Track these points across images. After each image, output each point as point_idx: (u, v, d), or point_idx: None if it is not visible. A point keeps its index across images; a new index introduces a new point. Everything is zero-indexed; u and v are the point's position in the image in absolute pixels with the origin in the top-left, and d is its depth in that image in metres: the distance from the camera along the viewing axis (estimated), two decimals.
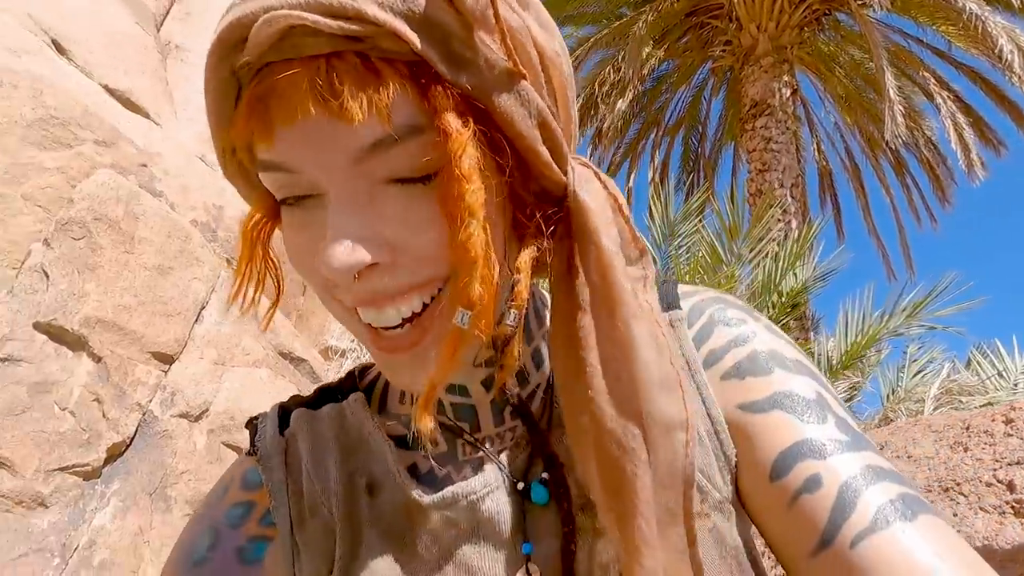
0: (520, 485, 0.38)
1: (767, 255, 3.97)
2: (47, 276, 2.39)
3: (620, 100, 7.15)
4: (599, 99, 7.25)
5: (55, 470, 2.10)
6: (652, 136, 8.01)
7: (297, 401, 0.46)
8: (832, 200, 8.91)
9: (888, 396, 4.22)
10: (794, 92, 6.37)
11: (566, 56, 0.37)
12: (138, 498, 2.24)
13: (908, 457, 1.08)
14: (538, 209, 0.36)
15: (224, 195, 3.94)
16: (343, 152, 0.30)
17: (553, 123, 0.34)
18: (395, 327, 0.33)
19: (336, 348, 3.46)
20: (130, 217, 2.67)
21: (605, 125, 7.06)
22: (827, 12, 6.60)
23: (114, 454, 2.28)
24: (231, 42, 0.29)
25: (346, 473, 0.41)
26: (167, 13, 4.70)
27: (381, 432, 0.41)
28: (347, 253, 0.30)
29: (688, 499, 0.32)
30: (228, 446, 2.58)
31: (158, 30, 4.51)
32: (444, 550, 0.38)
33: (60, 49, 3.56)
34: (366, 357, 3.53)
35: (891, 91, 4.86)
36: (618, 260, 0.34)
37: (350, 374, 0.49)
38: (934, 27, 5.79)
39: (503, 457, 0.40)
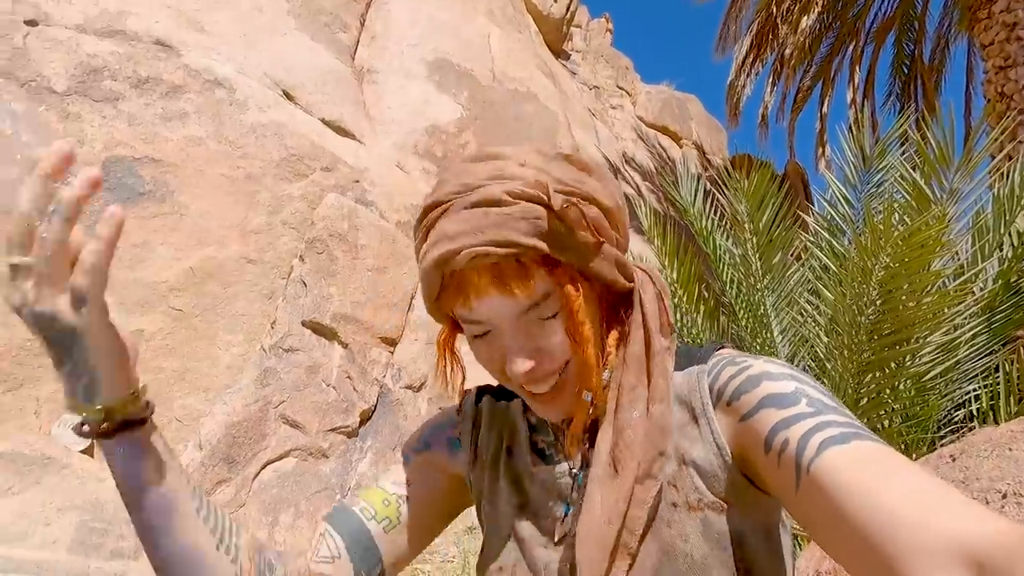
0: (574, 471, 0.61)
1: (1005, 176, 3.28)
2: (305, 284, 3.12)
3: (805, 16, 6.28)
4: (778, 19, 6.43)
5: (329, 431, 2.80)
6: (850, 49, 6.83)
7: (491, 388, 0.73)
8: None
9: None
10: None
11: (620, 193, 0.58)
12: (385, 452, 2.86)
13: None
14: (617, 304, 0.59)
15: (417, 195, 4.56)
16: (510, 312, 0.53)
17: (623, 258, 0.57)
18: (543, 392, 0.57)
19: None
20: (353, 230, 3.31)
21: (787, 50, 6.26)
22: None
23: (364, 418, 2.93)
24: (442, 260, 0.51)
25: (499, 444, 0.67)
26: (357, 41, 5.47)
27: (525, 426, 0.67)
28: (522, 364, 0.54)
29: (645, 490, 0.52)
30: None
31: (353, 58, 5.28)
32: (539, 499, 0.62)
33: (289, 96, 4.44)
34: None
35: None
36: (656, 339, 0.56)
37: None
38: None
39: (577, 457, 0.63)
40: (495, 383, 0.72)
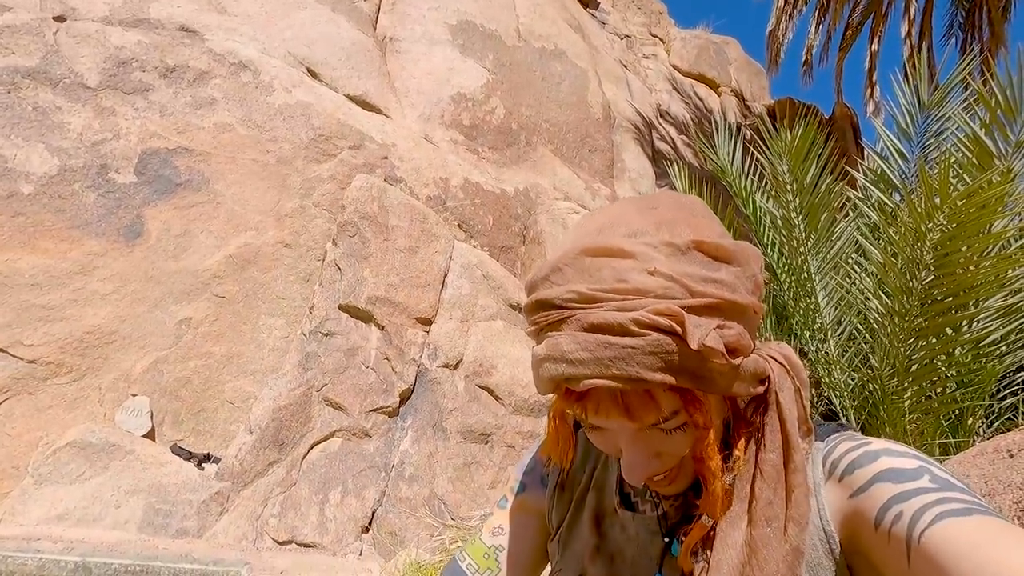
0: (667, 539, 0.58)
1: None
2: (339, 268, 3.16)
3: None
4: None
5: (370, 411, 2.89)
6: None
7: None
8: None
9: None
10: None
11: (760, 264, 0.52)
12: (425, 430, 2.94)
13: None
14: (747, 406, 0.54)
15: (446, 167, 4.51)
16: (633, 428, 0.50)
17: (761, 365, 0.50)
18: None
19: None
20: (383, 210, 3.31)
21: None
22: None
23: (404, 398, 3.01)
24: (561, 379, 0.47)
25: (590, 476, 0.66)
26: (378, 9, 5.35)
27: (616, 463, 0.64)
28: (642, 473, 0.51)
29: None
30: (481, 387, 3.17)
31: (374, 28, 5.18)
32: (617, 543, 0.61)
33: (313, 74, 4.41)
34: None
35: None
36: (797, 450, 0.50)
37: None
38: None
39: (670, 510, 0.60)
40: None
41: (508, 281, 3.64)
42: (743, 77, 9.77)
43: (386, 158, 4.16)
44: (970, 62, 2.98)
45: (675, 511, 0.58)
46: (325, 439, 2.78)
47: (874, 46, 6.26)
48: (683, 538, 0.55)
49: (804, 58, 6.58)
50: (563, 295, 0.47)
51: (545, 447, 0.60)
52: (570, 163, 5.70)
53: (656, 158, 7.13)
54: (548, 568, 0.68)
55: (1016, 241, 2.73)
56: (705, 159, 4.26)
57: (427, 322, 3.20)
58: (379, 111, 4.59)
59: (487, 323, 3.33)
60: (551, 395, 0.53)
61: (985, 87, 2.65)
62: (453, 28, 5.50)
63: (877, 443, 0.50)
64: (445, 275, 3.37)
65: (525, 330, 0.56)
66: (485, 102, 5.26)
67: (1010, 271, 2.77)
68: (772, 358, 0.52)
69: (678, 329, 0.44)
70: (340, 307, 3.02)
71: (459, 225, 4.32)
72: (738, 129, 4.25)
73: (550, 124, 5.73)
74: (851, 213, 3.47)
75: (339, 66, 4.54)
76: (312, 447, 2.75)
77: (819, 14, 6.27)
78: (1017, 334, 2.93)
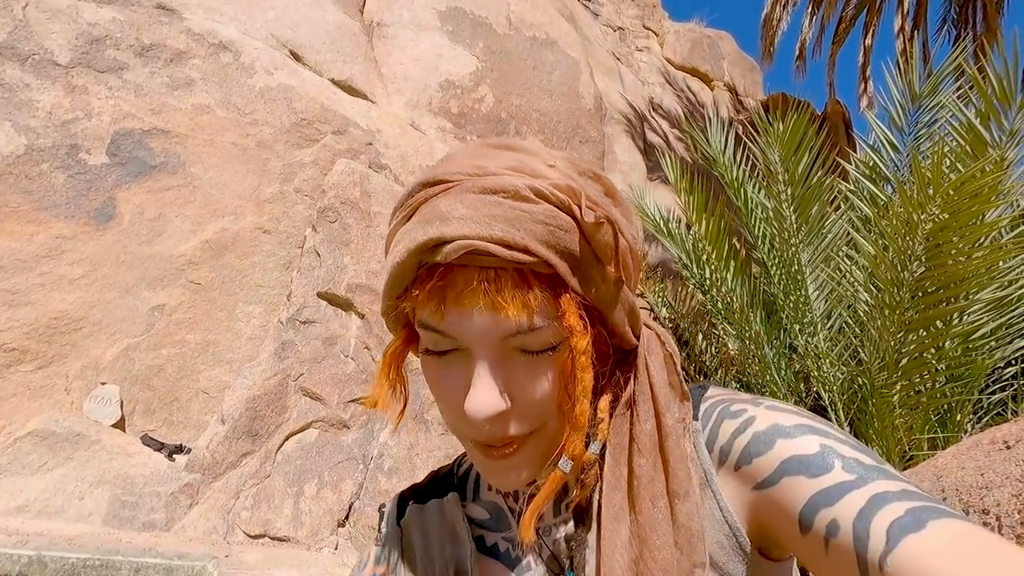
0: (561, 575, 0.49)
1: None
2: (319, 255, 3.07)
3: None
4: None
5: (349, 401, 2.80)
6: None
7: (413, 489, 0.59)
8: None
9: None
10: None
11: (640, 237, 0.48)
12: (406, 421, 2.86)
13: None
14: (614, 362, 0.47)
15: (433, 155, 4.41)
16: (495, 334, 0.41)
17: (637, 309, 0.46)
18: (500, 448, 0.45)
19: None
20: (365, 196, 3.22)
21: None
22: None
23: None
24: (426, 247, 0.40)
25: (443, 561, 0.53)
26: None
27: (466, 528, 0.53)
28: (489, 402, 0.41)
29: None
30: None
31: (361, 12, 5.06)
32: None
33: (297, 57, 4.29)
34: None
35: None
36: (668, 413, 0.44)
37: (456, 461, 0.61)
38: None
39: (556, 547, 0.50)
40: (411, 483, 0.58)
41: None
42: (736, 72, 9.73)
43: (371, 144, 4.06)
44: (963, 50, 2.93)
45: (565, 545, 0.49)
46: (301, 430, 2.70)
47: (868, 40, 6.22)
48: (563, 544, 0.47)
49: (797, 52, 6.54)
50: (452, 170, 0.42)
51: (371, 400, 0.50)
52: None
53: (647, 151, 7.06)
54: None
55: (1009, 231, 2.69)
56: (698, 151, 4.21)
57: None
58: (364, 97, 4.49)
59: None
60: (398, 317, 0.46)
61: (982, 75, 2.60)
62: (442, 14, 5.39)
63: (761, 416, 0.44)
64: None
65: (388, 230, 0.46)
66: (474, 90, 5.17)
67: (1002, 262, 2.73)
68: (644, 323, 0.48)
69: (575, 208, 0.40)
70: (319, 295, 2.93)
71: None
72: (730, 123, 4.19)
73: (540, 114, 5.64)
74: (843, 206, 3.42)
75: (324, 50, 4.43)
76: (287, 438, 2.66)
77: (813, 6, 6.22)
78: (1006, 328, 2.89)
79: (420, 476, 2.94)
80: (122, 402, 2.82)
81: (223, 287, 3.29)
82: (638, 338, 0.47)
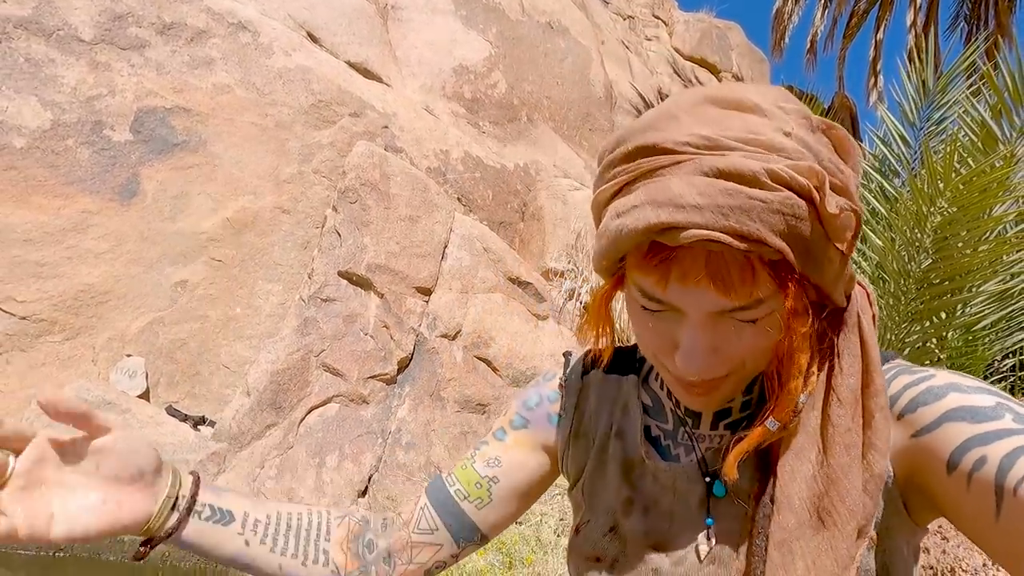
0: (707, 479, 0.53)
1: None
2: (339, 235, 3.13)
3: None
4: None
5: (368, 378, 2.88)
6: None
7: (599, 354, 0.64)
8: None
9: None
10: None
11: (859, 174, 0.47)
12: (423, 398, 2.95)
13: None
14: (824, 318, 0.47)
15: (447, 140, 4.46)
16: (714, 308, 0.42)
17: (852, 273, 0.46)
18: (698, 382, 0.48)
19: (555, 269, 3.82)
20: (384, 178, 3.28)
21: None
22: None
23: (402, 366, 3.01)
24: (656, 229, 0.40)
25: (609, 423, 0.61)
26: None
27: (639, 408, 0.60)
28: (701, 364, 0.44)
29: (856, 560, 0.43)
30: (479, 359, 3.18)
31: None
32: (651, 494, 0.56)
33: (313, 38, 4.31)
34: (580, 278, 3.82)
35: None
36: (877, 372, 0.45)
37: (635, 347, 0.65)
38: None
39: (707, 454, 0.55)
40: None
41: (508, 255, 3.63)
42: (745, 63, 9.72)
43: (387, 127, 4.11)
44: (975, 49, 2.99)
45: (714, 454, 0.54)
46: (323, 404, 2.78)
47: (879, 35, 6.25)
48: (725, 480, 0.49)
49: (808, 45, 6.55)
50: (680, 138, 0.40)
51: (584, 330, 0.54)
52: (570, 141, 5.67)
53: None
54: (573, 519, 0.64)
55: (1015, 226, 2.77)
56: None
57: (426, 292, 3.19)
58: (380, 80, 4.52)
59: (486, 295, 3.32)
60: (611, 269, 0.48)
61: (995, 71, 2.66)
62: None
63: (942, 376, 0.45)
64: (445, 246, 3.35)
65: (597, 189, 0.47)
66: (487, 76, 5.20)
67: (1006, 256, 2.81)
68: (857, 282, 0.49)
69: (815, 194, 0.38)
70: (340, 273, 3.00)
71: (458, 198, 4.29)
72: None
73: (551, 101, 5.68)
74: None
75: (340, 32, 4.45)
76: (309, 411, 2.75)
77: (825, 0, 6.23)
78: (1007, 320, 2.98)
79: (437, 451, 3.04)
80: (147, 374, 2.89)
81: (243, 265, 3.35)
82: (848, 298, 0.47)
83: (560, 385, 0.64)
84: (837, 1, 6.20)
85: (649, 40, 8.98)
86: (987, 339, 2.96)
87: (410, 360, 3.02)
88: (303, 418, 2.71)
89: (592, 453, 0.61)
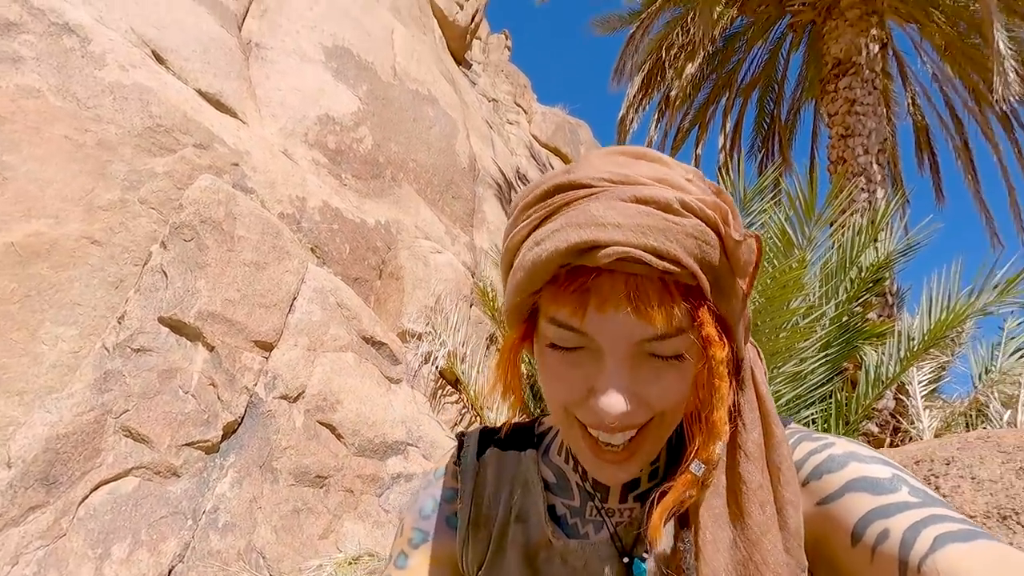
0: (626, 559, 0.50)
1: (846, 228, 3.80)
2: (166, 275, 2.71)
3: (689, 64, 6.85)
4: (667, 63, 6.96)
5: (183, 445, 2.43)
6: (723, 100, 7.59)
7: (493, 430, 0.61)
8: (930, 159, 8.16)
9: (980, 376, 3.98)
10: (884, 47, 5.82)
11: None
12: (250, 470, 2.55)
13: (972, 479, 1.08)
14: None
15: (305, 187, 4.21)
16: (633, 338, 0.42)
17: (749, 320, 0.48)
18: (618, 441, 0.45)
19: (412, 331, 3.68)
20: (230, 218, 2.95)
21: (672, 92, 6.79)
22: None
23: (229, 431, 2.60)
24: (578, 248, 0.40)
25: (508, 506, 0.56)
26: (247, 12, 4.97)
27: (540, 484, 0.55)
28: (621, 405, 0.42)
29: None
30: (322, 424, 2.87)
31: (239, 29, 4.78)
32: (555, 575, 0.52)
33: (160, 59, 3.89)
34: (438, 341, 3.73)
35: (1000, 43, 4.37)
36: (776, 425, 0.47)
37: (535, 421, 0.63)
38: None
39: (619, 528, 0.52)
40: (499, 425, 0.60)
41: (364, 312, 3.43)
42: None
43: (237, 165, 3.76)
44: (777, 170, 3.68)
45: (625, 528, 0.51)
46: (117, 478, 2.26)
47: (698, 151, 7.42)
48: (644, 557, 0.48)
49: None
50: (595, 174, 0.42)
51: (493, 387, 0.51)
52: (433, 205, 5.70)
53: None
54: None
55: (804, 318, 3.31)
56: None
57: (268, 347, 2.85)
58: (234, 115, 4.18)
59: (336, 354, 3.07)
60: (522, 311, 0.46)
61: (788, 192, 3.27)
62: (328, 51, 5.32)
63: (840, 444, 0.47)
64: (295, 298, 3.07)
65: (510, 235, 0.47)
66: (354, 129, 5.09)
67: (798, 343, 3.33)
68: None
69: (721, 225, 0.41)
70: (161, 320, 2.57)
71: (313, 248, 4.01)
72: None
73: (417, 164, 5.72)
74: None
75: (193, 58, 4.08)
76: (96, 488, 2.21)
77: (658, 115, 7.28)
78: (800, 398, 3.51)
79: (262, 533, 2.61)
80: None
81: (26, 301, 2.72)
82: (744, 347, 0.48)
83: (454, 476, 0.60)
84: (668, 117, 7.28)
85: (511, 124, 9.65)
86: (784, 415, 3.43)
87: (239, 424, 2.63)
88: (86, 497, 2.17)
89: (492, 542, 0.55)
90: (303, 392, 2.85)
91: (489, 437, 0.61)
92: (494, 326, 4.58)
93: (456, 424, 3.59)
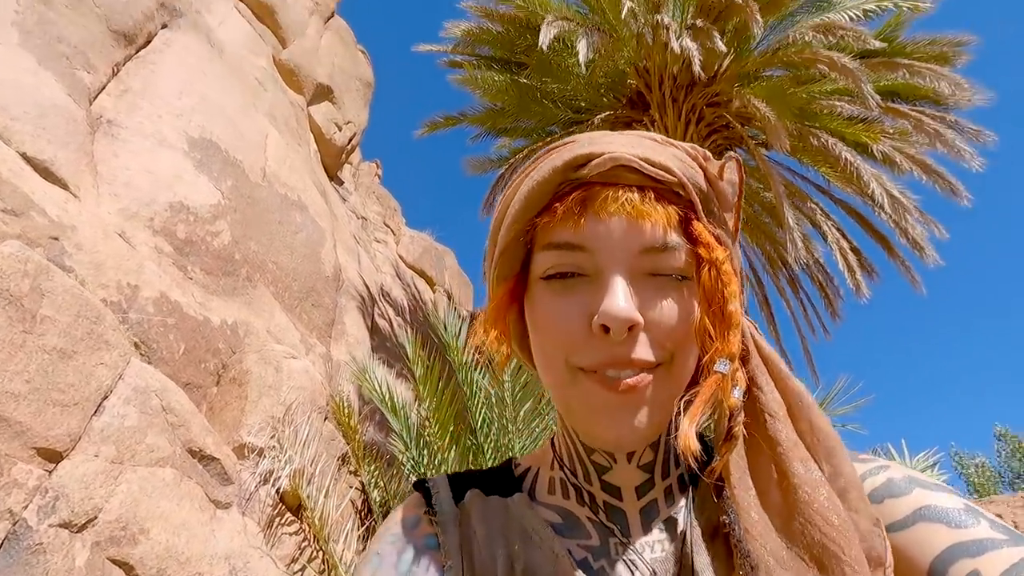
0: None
1: None
2: None
3: None
4: None
5: None
6: None
7: (461, 474, 0.52)
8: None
9: None
10: None
11: None
12: None
13: None
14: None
15: (140, 274, 3.68)
16: (631, 246, 0.41)
17: (741, 267, 0.48)
18: (629, 376, 0.41)
19: (253, 445, 3.16)
20: (35, 293, 2.42)
21: None
22: (728, 147, 7.57)
23: None
24: (573, 164, 0.42)
25: (509, 563, 0.45)
26: (103, 88, 4.60)
27: (548, 529, 0.46)
28: (627, 307, 0.39)
29: None
30: (115, 562, 2.21)
31: (90, 103, 4.37)
32: None
33: None
34: (283, 458, 3.24)
35: (791, 220, 5.53)
36: (790, 379, 0.44)
37: (508, 462, 0.55)
38: (816, 168, 6.79)
39: (655, 565, 0.43)
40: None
41: (195, 420, 2.89)
42: (455, 284, 11.17)
43: (57, 239, 3.20)
44: None
45: (662, 564, 0.43)
46: None
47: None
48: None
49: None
50: (583, 136, 0.46)
51: (480, 337, 0.47)
52: (290, 311, 5.29)
53: (374, 332, 7.20)
54: None
55: None
56: (424, 341, 4.50)
57: (55, 457, 2.22)
58: (65, 186, 3.65)
59: (151, 469, 2.48)
60: (515, 250, 0.45)
61: None
62: (193, 141, 5.04)
63: (896, 467, 0.44)
64: (106, 396, 2.51)
65: (505, 195, 0.47)
66: (211, 222, 4.70)
67: None
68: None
69: (702, 159, 0.45)
70: None
71: (136, 344, 3.41)
72: (465, 320, 4.67)
73: (278, 267, 5.37)
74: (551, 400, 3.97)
75: (24, 119, 3.59)
76: None
77: None
78: None
79: None
80: None
81: None
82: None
83: (430, 523, 0.49)
84: None
85: (378, 243, 9.70)
86: None
87: None
88: None
89: None
90: (95, 518, 2.22)
91: (461, 481, 0.51)
92: (347, 444, 4.15)
93: (294, 560, 3.00)
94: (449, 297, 10.81)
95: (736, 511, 0.40)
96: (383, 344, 7.20)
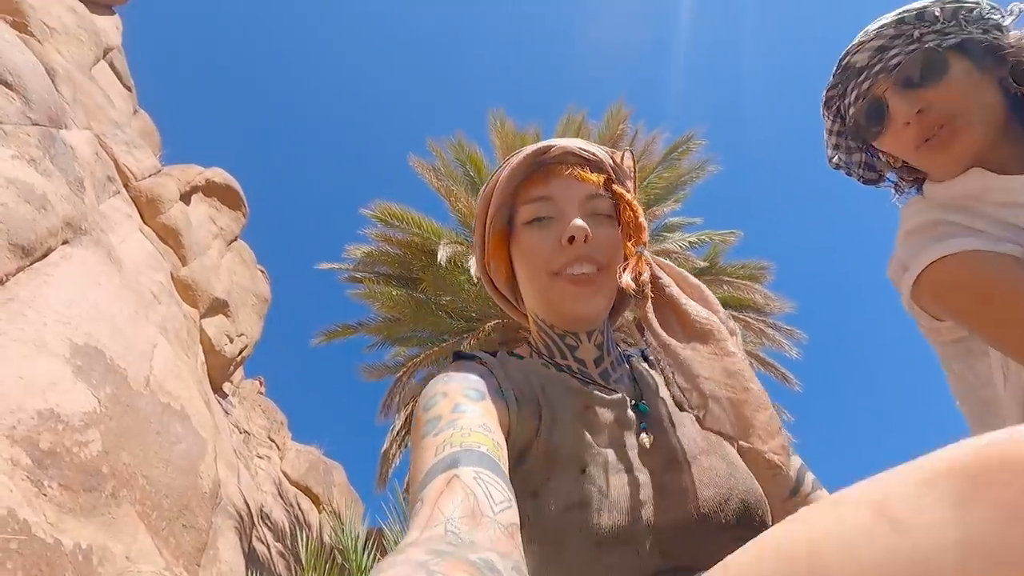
0: (632, 402, 0.71)
1: None
2: None
3: None
4: None
5: None
6: None
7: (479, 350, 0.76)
8: None
9: None
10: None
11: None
12: None
13: None
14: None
15: None
16: (580, 195, 0.73)
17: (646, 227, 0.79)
18: (584, 274, 0.70)
19: None
20: None
21: None
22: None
23: None
24: (540, 152, 0.73)
25: (541, 386, 0.69)
26: None
27: (554, 368, 0.74)
28: (583, 224, 0.70)
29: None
30: None
31: None
32: (602, 424, 0.67)
33: None
34: None
35: None
36: (688, 276, 0.74)
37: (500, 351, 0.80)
38: None
39: (624, 387, 0.74)
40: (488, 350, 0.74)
41: None
42: (343, 501, 10.27)
43: None
44: None
45: (627, 387, 0.74)
46: None
47: None
48: (642, 402, 0.72)
49: (405, 486, 7.61)
50: (544, 142, 0.78)
51: (482, 261, 0.78)
52: (156, 534, 4.63)
53: (250, 557, 6.32)
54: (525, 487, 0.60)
55: None
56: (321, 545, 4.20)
57: None
58: None
59: None
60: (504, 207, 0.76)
61: None
62: (76, 348, 4.86)
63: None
64: None
65: (494, 181, 0.78)
66: (81, 431, 4.31)
67: None
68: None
69: (612, 153, 0.78)
70: None
71: None
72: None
73: (149, 482, 4.83)
74: None
75: None
76: None
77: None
78: None
79: None
80: None
81: None
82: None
83: (480, 364, 0.69)
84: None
85: (261, 458, 9.00)
86: None
87: None
88: None
89: (544, 408, 0.65)
90: None
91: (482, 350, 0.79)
92: None
93: None
94: (338, 517, 9.85)
95: (652, 333, 0.68)
96: (260, 574, 6.26)
